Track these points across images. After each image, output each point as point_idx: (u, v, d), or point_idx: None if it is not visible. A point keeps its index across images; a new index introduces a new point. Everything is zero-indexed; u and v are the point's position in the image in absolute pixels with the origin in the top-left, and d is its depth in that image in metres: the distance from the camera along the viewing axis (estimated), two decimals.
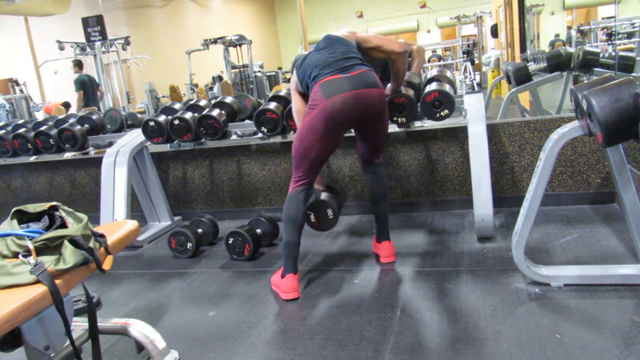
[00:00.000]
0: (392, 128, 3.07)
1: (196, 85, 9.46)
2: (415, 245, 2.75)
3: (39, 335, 1.36)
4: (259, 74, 9.27)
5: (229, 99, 3.32)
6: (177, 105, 3.56)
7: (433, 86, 2.77)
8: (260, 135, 3.13)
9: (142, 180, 3.63)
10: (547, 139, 2.02)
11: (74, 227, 1.43)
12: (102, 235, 1.54)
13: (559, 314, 1.87)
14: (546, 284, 2.08)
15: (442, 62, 10.81)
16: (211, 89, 9.36)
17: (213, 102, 3.40)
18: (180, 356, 1.84)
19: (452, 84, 2.94)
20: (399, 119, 2.75)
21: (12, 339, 1.34)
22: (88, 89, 7.40)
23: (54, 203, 1.50)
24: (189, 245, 3.02)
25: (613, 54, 4.38)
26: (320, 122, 2.14)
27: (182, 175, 3.87)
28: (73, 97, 7.38)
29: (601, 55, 4.27)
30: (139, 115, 3.89)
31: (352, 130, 2.42)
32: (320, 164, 2.30)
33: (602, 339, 1.68)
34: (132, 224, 1.75)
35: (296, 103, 2.41)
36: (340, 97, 2.11)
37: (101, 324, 1.71)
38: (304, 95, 2.36)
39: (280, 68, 11.61)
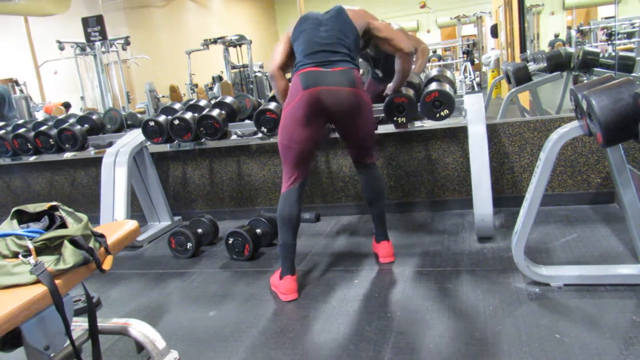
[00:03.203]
0: (392, 128, 3.08)
1: (196, 85, 9.44)
2: (415, 245, 2.75)
3: (39, 335, 1.36)
4: (259, 74, 9.26)
5: (229, 99, 3.32)
6: (177, 105, 3.56)
7: (433, 86, 2.77)
8: (260, 135, 3.13)
9: (142, 180, 3.63)
10: (547, 139, 2.02)
11: (74, 227, 1.43)
12: (102, 235, 1.54)
13: (559, 314, 1.87)
14: (546, 284, 2.08)
15: (442, 62, 10.81)
16: (211, 89, 9.35)
17: (213, 102, 3.40)
18: (180, 356, 1.84)
19: (452, 84, 2.94)
20: (399, 119, 2.75)
21: (12, 339, 1.34)
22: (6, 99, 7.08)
23: (54, 203, 1.50)
24: (189, 245, 3.02)
25: (613, 54, 4.38)
26: (299, 111, 2.18)
27: (182, 175, 3.87)
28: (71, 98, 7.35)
29: (601, 55, 4.27)
30: (139, 115, 3.88)
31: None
32: (307, 158, 2.28)
33: (602, 339, 1.68)
34: (132, 224, 1.75)
35: (278, 46, 2.40)
36: (317, 90, 2.16)
37: (101, 324, 1.71)
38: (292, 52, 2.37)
39: None
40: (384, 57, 3.13)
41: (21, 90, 8.20)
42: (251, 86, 9.02)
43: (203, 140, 3.38)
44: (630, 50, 4.91)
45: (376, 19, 2.40)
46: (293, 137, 2.22)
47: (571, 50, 4.81)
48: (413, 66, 2.98)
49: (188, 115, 3.18)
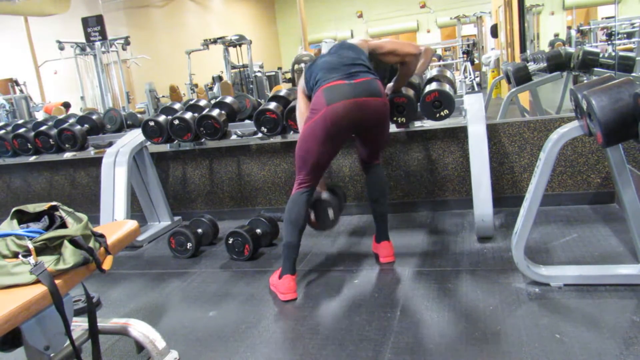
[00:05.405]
0: (392, 128, 3.07)
1: (196, 85, 9.44)
2: (415, 245, 2.75)
3: (39, 335, 1.36)
4: (258, 74, 9.26)
5: (229, 99, 3.32)
6: (177, 105, 3.56)
7: (433, 86, 2.77)
8: (260, 135, 3.13)
9: (142, 180, 3.63)
10: (547, 139, 2.02)
11: (74, 227, 1.43)
12: (102, 235, 1.54)
13: (559, 314, 1.87)
14: (546, 284, 2.08)
15: (442, 62, 10.82)
16: (211, 89, 9.35)
17: (213, 102, 3.40)
18: (180, 356, 1.84)
19: (452, 84, 2.94)
20: (399, 119, 2.75)
21: (12, 339, 1.34)
22: None
23: (53, 203, 1.50)
24: (189, 245, 3.02)
25: (613, 54, 4.38)
26: (320, 128, 2.16)
27: (182, 175, 3.87)
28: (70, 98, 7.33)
29: (601, 55, 4.27)
30: (139, 115, 3.88)
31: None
32: (322, 168, 2.31)
33: (602, 339, 1.68)
34: (132, 224, 1.75)
35: (300, 105, 2.40)
36: (342, 104, 2.12)
37: (101, 324, 1.71)
38: (310, 98, 2.36)
39: (280, 68, 11.60)
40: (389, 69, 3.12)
41: (21, 90, 8.20)
42: (251, 86, 9.02)
43: (203, 140, 3.37)
44: (630, 50, 4.90)
45: (373, 40, 2.46)
46: (311, 151, 2.22)
47: (571, 50, 4.81)
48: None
49: (188, 115, 3.18)
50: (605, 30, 6.74)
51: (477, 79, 10.21)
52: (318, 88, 2.19)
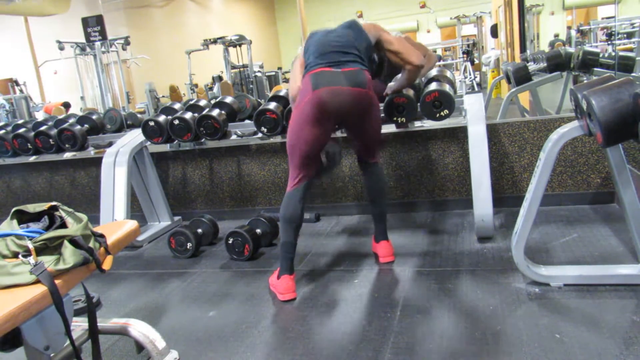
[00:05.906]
0: (392, 128, 3.07)
1: (196, 85, 9.44)
2: (415, 245, 2.75)
3: (39, 335, 1.36)
4: (258, 74, 9.25)
5: (228, 99, 3.32)
6: (177, 105, 3.56)
7: (433, 86, 2.77)
8: (260, 135, 3.13)
9: (142, 180, 3.63)
10: (547, 139, 2.02)
11: (73, 227, 1.43)
12: (102, 235, 1.54)
13: (559, 314, 1.87)
14: (546, 284, 2.08)
15: (442, 62, 10.81)
16: (211, 89, 9.34)
17: (213, 102, 3.40)
18: (180, 356, 1.84)
19: (452, 84, 2.94)
20: (399, 119, 2.75)
21: (12, 339, 1.34)
22: None
23: (53, 203, 1.50)
24: (189, 245, 3.02)
25: (613, 54, 4.38)
26: (308, 111, 2.19)
27: (182, 175, 3.87)
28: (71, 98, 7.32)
29: (601, 55, 4.26)
30: (139, 115, 3.88)
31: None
32: (313, 158, 2.31)
33: (602, 339, 1.68)
34: (132, 224, 1.75)
35: (295, 70, 2.39)
36: (328, 90, 2.16)
37: (101, 324, 1.71)
38: (306, 65, 2.34)
39: (280, 68, 11.58)
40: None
41: (21, 90, 8.20)
42: (251, 86, 9.01)
43: (203, 140, 3.38)
44: (630, 50, 4.90)
45: (388, 32, 2.41)
46: (300, 136, 2.24)
47: (571, 50, 4.81)
48: None
49: (188, 115, 3.18)
50: (605, 30, 6.74)
51: (477, 79, 10.21)
52: (307, 73, 2.24)
